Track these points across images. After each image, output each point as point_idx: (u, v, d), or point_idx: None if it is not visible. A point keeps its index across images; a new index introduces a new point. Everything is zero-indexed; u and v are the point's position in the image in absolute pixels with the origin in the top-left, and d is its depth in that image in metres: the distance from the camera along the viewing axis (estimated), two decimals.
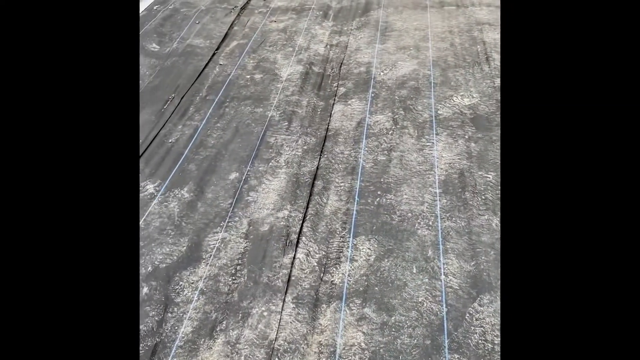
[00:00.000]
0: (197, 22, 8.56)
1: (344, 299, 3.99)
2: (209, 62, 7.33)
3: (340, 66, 7.01)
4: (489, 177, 4.93)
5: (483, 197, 4.73)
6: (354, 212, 4.72)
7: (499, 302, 3.85)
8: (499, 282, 4.00)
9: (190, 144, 5.72)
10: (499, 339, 3.62)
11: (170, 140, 5.81)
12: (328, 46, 7.53)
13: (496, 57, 6.82)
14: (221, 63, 7.29)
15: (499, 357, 3.52)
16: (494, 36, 7.31)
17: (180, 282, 4.23)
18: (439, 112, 5.89)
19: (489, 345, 3.59)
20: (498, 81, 6.32)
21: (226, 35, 8.04)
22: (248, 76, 6.92)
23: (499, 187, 4.81)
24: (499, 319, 3.74)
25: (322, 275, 4.20)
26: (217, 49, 7.66)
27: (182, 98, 6.54)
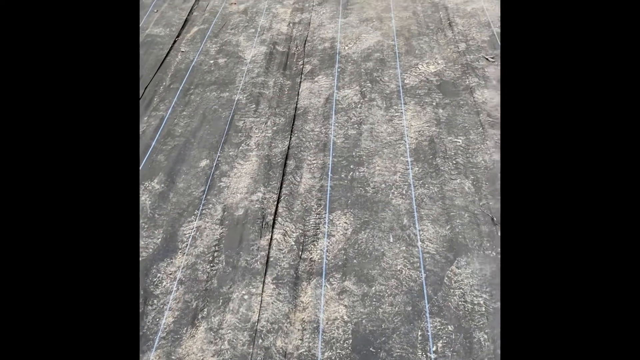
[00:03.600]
0: (155, 10, 8.34)
1: (323, 274, 3.99)
2: (170, 50, 7.17)
3: (305, 44, 6.92)
4: (459, 142, 4.95)
5: (454, 162, 4.75)
6: (328, 188, 4.70)
7: (476, 264, 3.90)
8: (475, 243, 4.04)
9: (158, 135, 5.62)
10: (479, 300, 3.67)
11: None
12: (291, 24, 7.42)
13: (459, 21, 6.79)
14: (183, 50, 7.13)
15: (479, 317, 3.57)
16: (455, 1, 7.28)
17: (158, 274, 4.18)
18: (405, 81, 5.86)
19: (469, 305, 3.64)
20: (462, 46, 6.31)
21: (186, 21, 7.86)
22: (211, 61, 6.79)
23: (469, 151, 4.83)
24: (477, 279, 3.79)
25: (300, 253, 4.19)
26: (177, 36, 7.49)
27: (145, 89, 6.39)
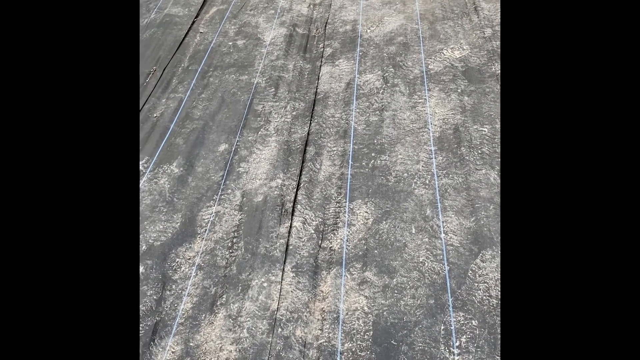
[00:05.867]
0: None
1: (343, 264, 3.92)
2: (188, 31, 7.06)
3: (325, 26, 6.77)
4: (484, 131, 4.81)
5: (479, 152, 4.62)
6: (349, 176, 4.61)
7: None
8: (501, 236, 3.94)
9: (176, 117, 5.55)
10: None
11: (155, 115, 5.63)
12: (311, 6, 7.26)
13: (485, 6, 6.59)
14: (201, 31, 7.02)
15: None
16: None
17: (177, 259, 4.14)
18: (429, 67, 5.71)
19: (494, 300, 3.56)
20: (488, 31, 6.12)
21: (205, 1, 7.72)
22: (230, 43, 6.67)
23: (495, 140, 4.70)
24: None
25: (320, 242, 4.12)
26: (196, 17, 7.37)
27: (163, 70, 6.31)
